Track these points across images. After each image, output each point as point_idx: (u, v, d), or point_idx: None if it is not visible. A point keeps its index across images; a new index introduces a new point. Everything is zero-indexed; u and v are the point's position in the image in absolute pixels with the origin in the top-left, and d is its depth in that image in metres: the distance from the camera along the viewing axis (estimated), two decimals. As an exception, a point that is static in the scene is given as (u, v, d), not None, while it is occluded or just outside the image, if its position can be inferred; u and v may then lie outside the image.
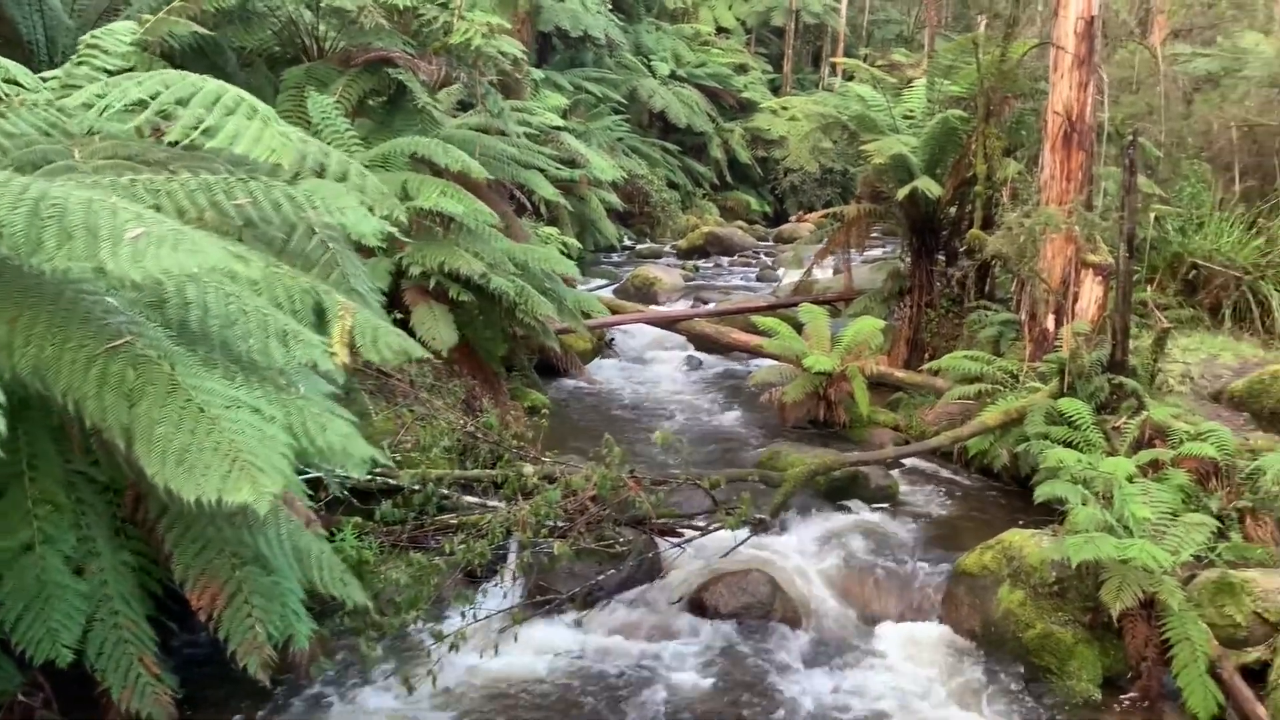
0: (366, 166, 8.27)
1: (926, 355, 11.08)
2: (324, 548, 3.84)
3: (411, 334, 7.85)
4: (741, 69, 31.05)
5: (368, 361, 6.20)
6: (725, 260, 21.48)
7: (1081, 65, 9.15)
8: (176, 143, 4.78)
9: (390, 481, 6.66)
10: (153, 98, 4.72)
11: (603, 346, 12.80)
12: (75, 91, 4.96)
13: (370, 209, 5.92)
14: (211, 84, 4.70)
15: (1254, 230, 10.73)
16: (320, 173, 5.79)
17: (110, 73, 5.33)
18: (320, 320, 3.49)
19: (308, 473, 5.68)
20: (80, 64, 5.44)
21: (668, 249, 22.65)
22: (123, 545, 4.72)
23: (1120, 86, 14.51)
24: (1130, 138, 7.93)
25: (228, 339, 2.85)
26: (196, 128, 4.45)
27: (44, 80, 5.16)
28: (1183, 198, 10.90)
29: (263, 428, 2.59)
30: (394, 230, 5.95)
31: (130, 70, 5.53)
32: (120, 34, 5.66)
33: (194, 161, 5.10)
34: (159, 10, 8.02)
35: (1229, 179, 11.72)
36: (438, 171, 8.46)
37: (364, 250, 7.68)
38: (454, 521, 6.60)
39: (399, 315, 7.55)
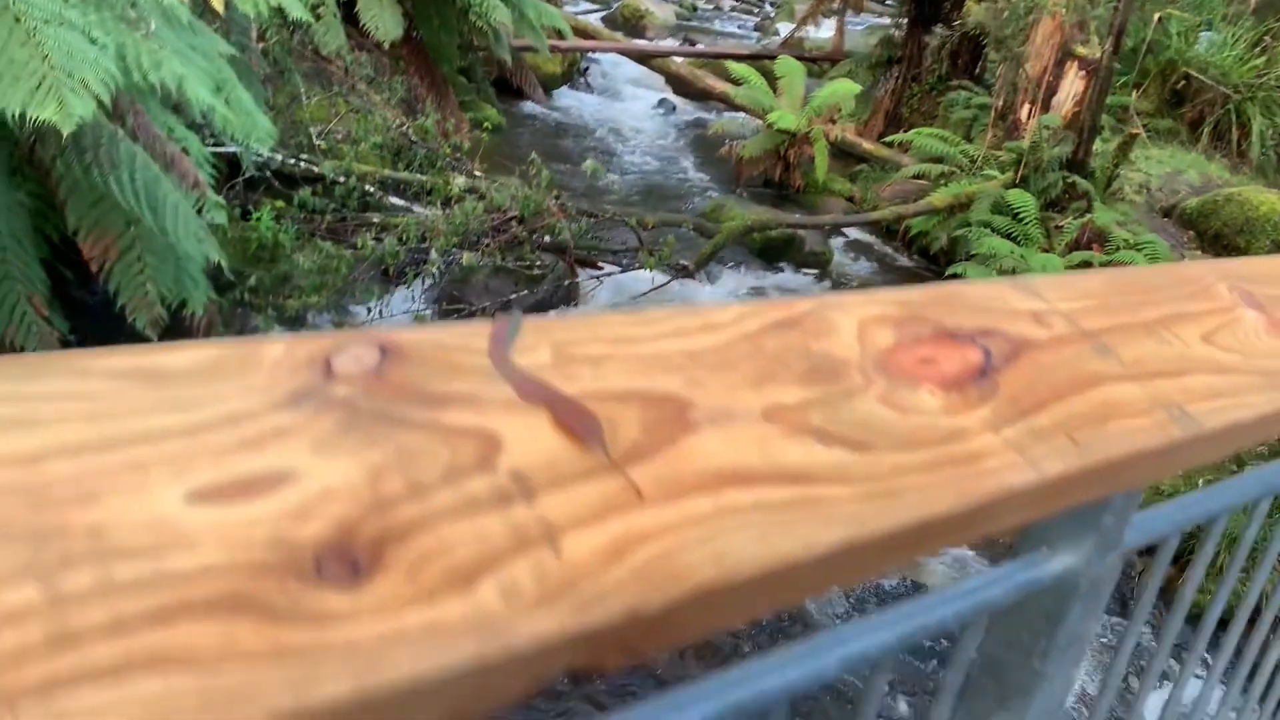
0: None
1: (903, 130, 10.77)
2: (183, 202, 3.78)
3: (356, 21, 7.48)
4: None
5: (304, 43, 5.92)
6: (726, 4, 20.32)
7: None
8: None
9: (314, 170, 6.55)
10: None
11: (574, 74, 12.30)
12: None
13: None
14: None
15: (1259, 48, 10.26)
16: None
17: None
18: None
19: (222, 146, 5.58)
20: None
21: (670, -18, 21.34)
22: (19, 185, 4.65)
23: None
24: (1146, -80, 7.37)
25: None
26: None
27: None
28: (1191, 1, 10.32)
29: (83, 49, 2.46)
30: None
31: None
32: None
33: None
34: None
35: (1249, -11, 11.08)
36: None
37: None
38: (376, 220, 6.55)
39: (344, -2, 7.15)
